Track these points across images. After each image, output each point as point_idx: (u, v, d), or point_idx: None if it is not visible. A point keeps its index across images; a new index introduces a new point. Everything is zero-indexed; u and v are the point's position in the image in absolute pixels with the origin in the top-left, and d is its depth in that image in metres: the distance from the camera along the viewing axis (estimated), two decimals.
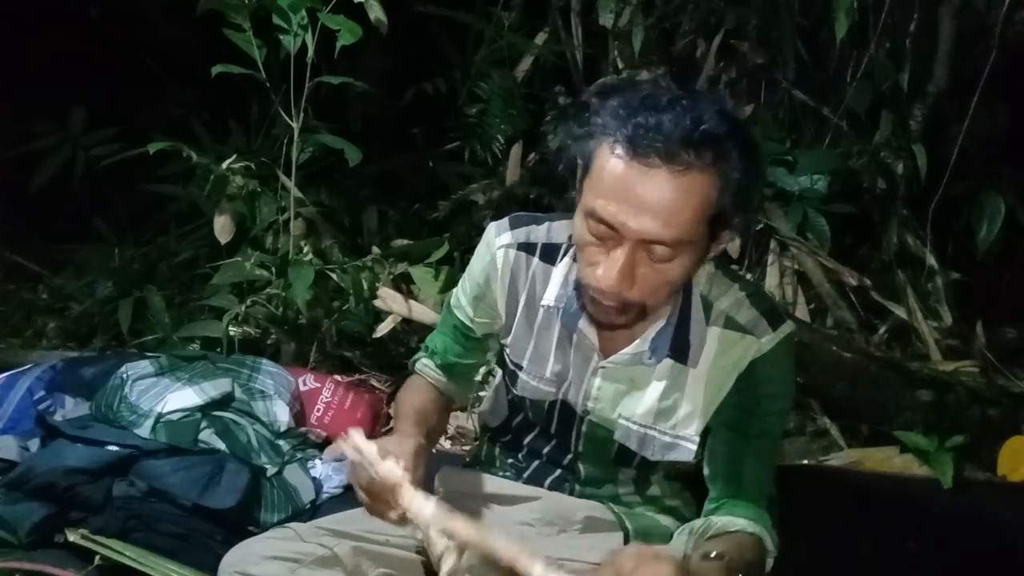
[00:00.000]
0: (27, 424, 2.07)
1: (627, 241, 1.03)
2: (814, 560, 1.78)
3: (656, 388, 1.21)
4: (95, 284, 3.10)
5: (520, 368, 1.33)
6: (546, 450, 1.37)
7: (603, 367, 1.24)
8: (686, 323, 1.18)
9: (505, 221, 1.32)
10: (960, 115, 2.65)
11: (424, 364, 1.44)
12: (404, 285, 2.70)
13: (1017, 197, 2.73)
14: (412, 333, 2.75)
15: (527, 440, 1.38)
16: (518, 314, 1.31)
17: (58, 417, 2.08)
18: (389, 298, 2.64)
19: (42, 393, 2.14)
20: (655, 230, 1.01)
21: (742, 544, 1.13)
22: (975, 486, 2.04)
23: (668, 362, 1.20)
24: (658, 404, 1.22)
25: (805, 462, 2.27)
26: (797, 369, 2.37)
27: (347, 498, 2.01)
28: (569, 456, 1.35)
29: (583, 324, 1.22)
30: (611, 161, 1.02)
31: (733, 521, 1.16)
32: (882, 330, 2.69)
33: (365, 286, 2.66)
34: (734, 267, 2.78)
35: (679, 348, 1.19)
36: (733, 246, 2.76)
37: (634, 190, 1.01)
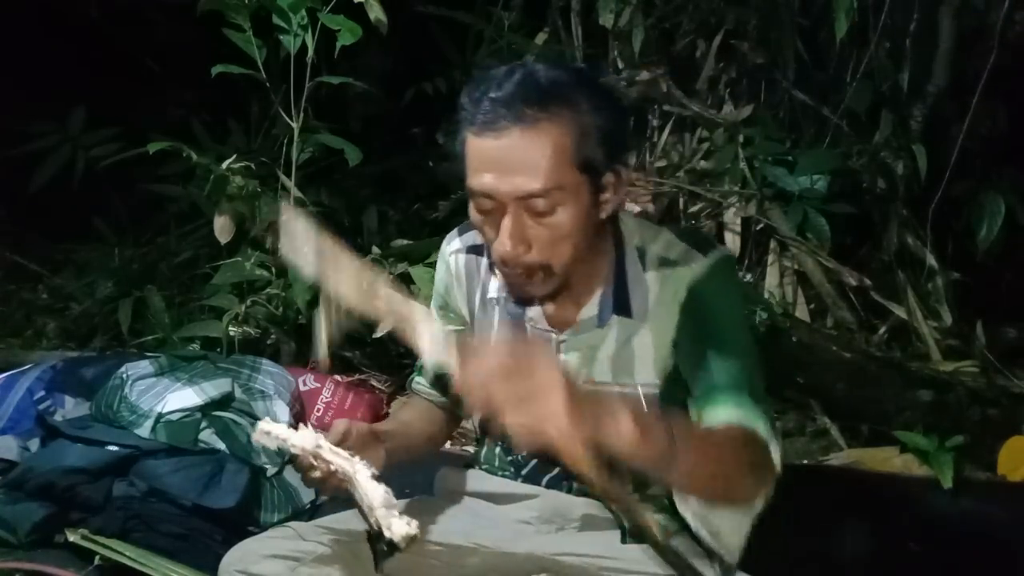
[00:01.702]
0: (27, 424, 2.07)
1: (507, 206, 1.09)
2: (815, 560, 1.78)
3: (610, 346, 1.22)
4: (95, 284, 3.11)
5: None
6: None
7: (563, 341, 1.25)
8: (623, 277, 1.22)
9: (456, 229, 1.38)
10: (960, 115, 2.65)
11: (417, 382, 1.48)
12: (404, 285, 2.70)
13: (1017, 197, 2.73)
14: None
15: None
16: (476, 314, 1.34)
17: (58, 417, 2.08)
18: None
19: (42, 393, 2.14)
20: (522, 184, 1.07)
21: (725, 429, 1.08)
22: (975, 486, 2.04)
23: (618, 322, 1.22)
24: (615, 360, 1.23)
25: (805, 462, 2.27)
26: (797, 369, 2.39)
27: (347, 498, 2.01)
28: (535, 456, 1.34)
29: (532, 311, 1.26)
30: (473, 142, 1.10)
31: (714, 415, 1.11)
32: (882, 330, 2.69)
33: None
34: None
35: (621, 304, 1.21)
36: (733, 246, 2.77)
37: (495, 156, 1.07)
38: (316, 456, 1.12)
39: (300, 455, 1.13)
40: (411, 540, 1.10)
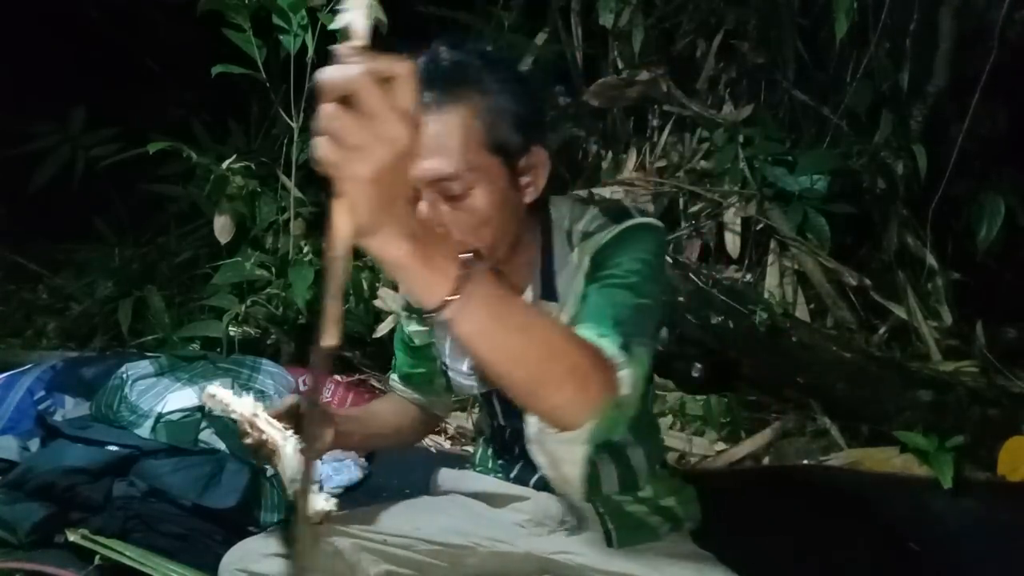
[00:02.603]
0: (27, 424, 2.07)
1: (422, 191, 1.08)
2: (814, 560, 1.78)
3: None
4: (95, 284, 3.11)
5: (447, 367, 1.37)
6: (517, 449, 1.37)
7: None
8: (551, 263, 1.22)
9: None
10: (960, 115, 2.65)
11: (392, 380, 1.51)
12: None
13: (1017, 197, 2.73)
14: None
15: (505, 439, 1.39)
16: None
17: (58, 417, 2.08)
18: (389, 298, 2.64)
19: (42, 393, 2.14)
20: (432, 168, 1.06)
21: (566, 329, 1.00)
22: (975, 486, 2.04)
23: (550, 307, 1.21)
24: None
25: (805, 462, 2.27)
26: (797, 369, 2.38)
27: (347, 498, 2.01)
28: (522, 453, 1.35)
29: None
30: None
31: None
32: (882, 330, 2.69)
33: (365, 286, 2.66)
34: (733, 268, 2.78)
35: (548, 290, 1.21)
36: (733, 246, 2.77)
37: None
38: (252, 424, 1.17)
39: (240, 420, 1.18)
40: (324, 516, 1.16)
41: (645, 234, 1.16)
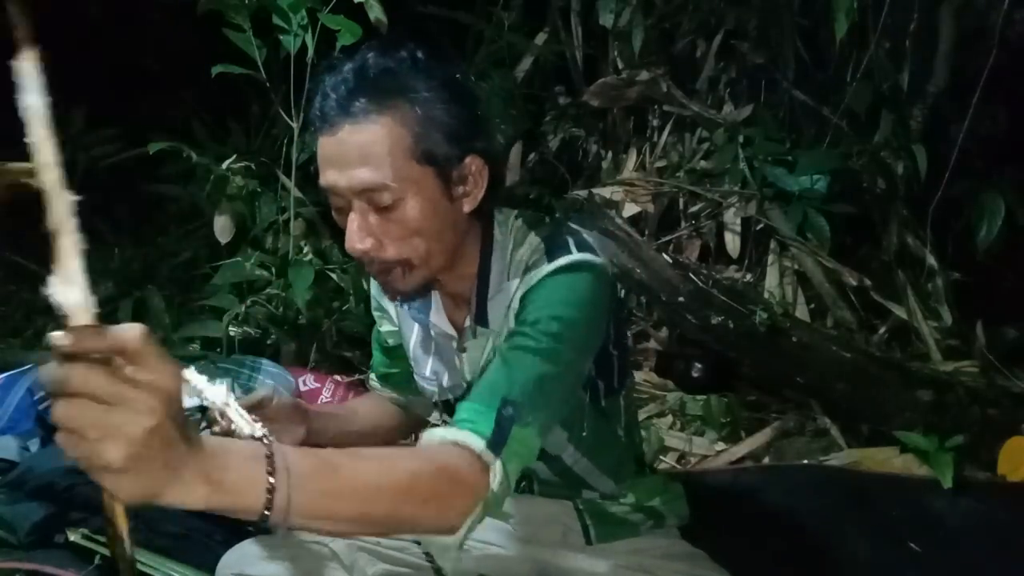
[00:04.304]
0: (27, 424, 2.07)
1: (352, 202, 1.07)
2: (814, 560, 1.78)
3: (487, 353, 1.20)
4: (95, 284, 3.11)
5: (413, 369, 1.38)
6: None
7: (464, 348, 1.25)
8: (484, 288, 1.18)
9: None
10: (960, 115, 2.64)
11: (371, 380, 1.52)
12: None
13: (1017, 197, 2.72)
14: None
15: None
16: (400, 317, 1.36)
17: None
18: None
19: (42, 393, 2.14)
20: (359, 179, 1.04)
21: (421, 451, 0.96)
22: (975, 486, 2.04)
23: (485, 332, 1.19)
24: (478, 370, 1.20)
25: (805, 462, 2.27)
26: (797, 369, 2.38)
27: None
28: None
29: (434, 316, 1.26)
30: (318, 141, 1.08)
31: (432, 434, 0.97)
32: (882, 330, 2.69)
33: (365, 286, 2.66)
34: (733, 268, 2.78)
35: (480, 314, 1.18)
36: (733, 246, 2.77)
37: (333, 151, 1.06)
38: (222, 414, 1.16)
39: (211, 408, 1.16)
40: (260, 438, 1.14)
41: (575, 278, 1.08)
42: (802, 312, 2.66)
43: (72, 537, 1.68)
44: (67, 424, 0.62)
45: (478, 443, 0.93)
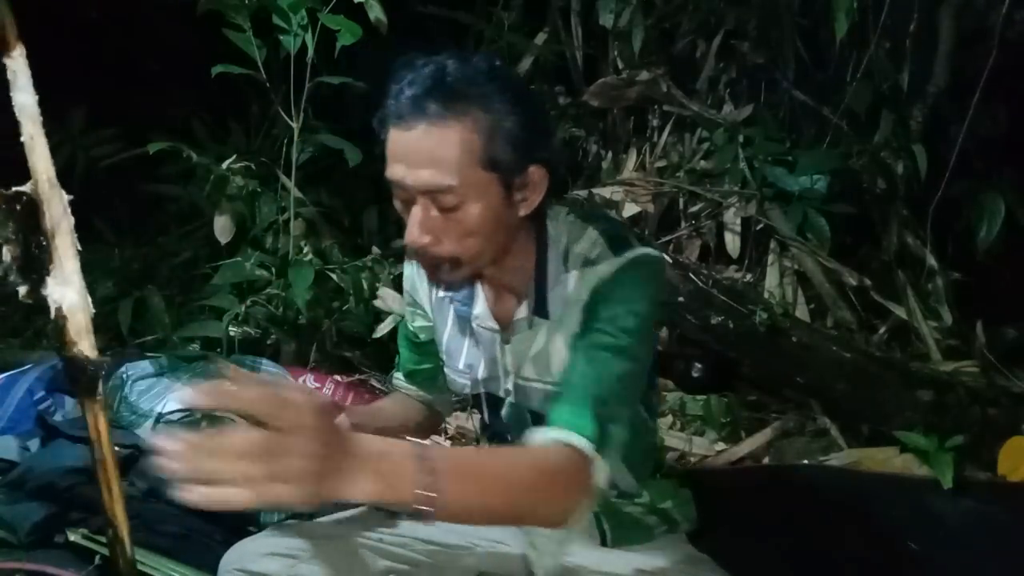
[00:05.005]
0: (27, 424, 2.07)
1: (417, 197, 1.11)
2: (814, 560, 1.78)
3: (540, 345, 1.24)
4: (95, 284, 3.11)
5: (444, 363, 1.40)
6: (498, 442, 1.39)
7: (507, 341, 1.28)
8: (543, 280, 1.23)
9: None
10: (960, 115, 2.64)
11: (396, 377, 1.52)
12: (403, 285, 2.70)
13: (1017, 197, 2.72)
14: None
15: (493, 437, 1.40)
16: (434, 311, 1.39)
17: (58, 417, 2.08)
18: (389, 298, 2.64)
19: (42, 393, 2.14)
20: (427, 179, 1.08)
21: (536, 450, 1.05)
22: (975, 486, 2.03)
23: (544, 323, 1.23)
24: (538, 359, 1.25)
25: (805, 462, 2.27)
26: (797, 369, 2.38)
27: None
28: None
29: (478, 308, 1.28)
30: (390, 135, 1.12)
31: (541, 432, 1.07)
32: (882, 330, 2.69)
33: (365, 286, 2.66)
34: (733, 268, 2.78)
35: (540, 306, 1.23)
36: (733, 246, 2.77)
37: (405, 148, 1.10)
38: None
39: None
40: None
41: (644, 271, 1.17)
42: (802, 312, 2.66)
43: (72, 537, 1.68)
44: (241, 478, 0.74)
45: (583, 443, 1.03)
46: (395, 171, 1.11)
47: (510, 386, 1.30)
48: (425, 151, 1.08)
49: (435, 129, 1.07)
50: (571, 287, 1.20)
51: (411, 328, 1.45)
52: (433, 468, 0.86)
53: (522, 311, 1.25)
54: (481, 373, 1.33)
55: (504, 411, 1.33)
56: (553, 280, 1.22)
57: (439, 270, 1.17)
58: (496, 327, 1.28)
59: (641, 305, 1.15)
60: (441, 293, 1.34)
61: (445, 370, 1.40)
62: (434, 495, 0.86)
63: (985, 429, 2.21)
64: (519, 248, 1.22)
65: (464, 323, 1.33)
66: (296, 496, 0.76)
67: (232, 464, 0.74)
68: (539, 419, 1.26)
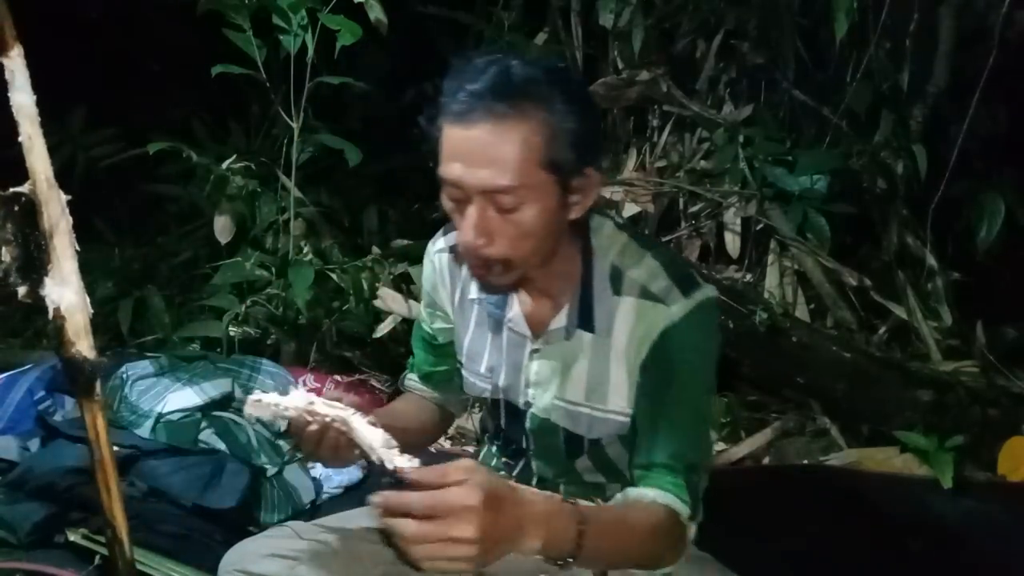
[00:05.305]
0: (27, 424, 2.07)
1: (473, 197, 1.09)
2: (814, 560, 1.78)
3: (583, 365, 1.23)
4: (95, 284, 3.11)
5: (462, 365, 1.38)
6: (518, 453, 1.38)
7: (536, 350, 1.26)
8: (589, 292, 1.21)
9: (442, 229, 1.39)
10: (960, 115, 2.64)
11: (409, 379, 1.50)
12: (404, 285, 2.70)
13: (1017, 197, 2.72)
14: (412, 333, 2.75)
15: (508, 443, 1.39)
16: (455, 312, 1.37)
17: (58, 417, 2.08)
18: (389, 298, 2.64)
19: (42, 393, 2.14)
20: (488, 179, 1.07)
21: (648, 510, 1.13)
22: (975, 486, 2.04)
23: (587, 337, 1.22)
24: (587, 381, 1.24)
25: (805, 462, 2.27)
26: (797, 369, 2.39)
27: (347, 498, 2.01)
28: (523, 457, 1.36)
29: (511, 312, 1.27)
30: (446, 132, 1.10)
31: (644, 493, 1.14)
32: (882, 330, 2.69)
33: (365, 286, 2.66)
34: (733, 268, 2.78)
35: (585, 317, 1.21)
36: (733, 246, 2.77)
37: (465, 147, 1.08)
38: (310, 412, 1.12)
39: (295, 416, 1.13)
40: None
41: (713, 315, 1.20)
42: (802, 312, 2.66)
43: (72, 537, 1.68)
44: (430, 554, 0.89)
45: (684, 512, 1.14)
46: (452, 170, 1.09)
47: (531, 398, 1.29)
48: (487, 151, 1.06)
49: (499, 128, 1.06)
50: (628, 313, 1.18)
51: (429, 330, 1.43)
52: (585, 530, 0.97)
53: (560, 319, 1.22)
54: (502, 380, 1.31)
55: (528, 423, 1.31)
56: (599, 294, 1.21)
57: (490, 272, 1.15)
58: (528, 333, 1.26)
59: (713, 356, 1.20)
60: (472, 295, 1.31)
61: (463, 373, 1.38)
62: (580, 550, 0.97)
63: (985, 429, 2.21)
64: (563, 253, 1.20)
65: (492, 325, 1.31)
66: (473, 560, 0.89)
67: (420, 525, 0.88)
68: (573, 440, 1.27)
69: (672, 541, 1.13)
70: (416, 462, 1.09)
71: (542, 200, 1.10)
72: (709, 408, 1.20)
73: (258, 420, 1.22)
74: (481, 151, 1.07)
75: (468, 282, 1.32)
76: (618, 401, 1.22)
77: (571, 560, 0.98)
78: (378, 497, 0.91)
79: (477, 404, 1.56)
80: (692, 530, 1.16)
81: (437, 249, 1.37)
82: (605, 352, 1.21)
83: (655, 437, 1.16)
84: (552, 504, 0.98)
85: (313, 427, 1.13)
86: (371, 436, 1.09)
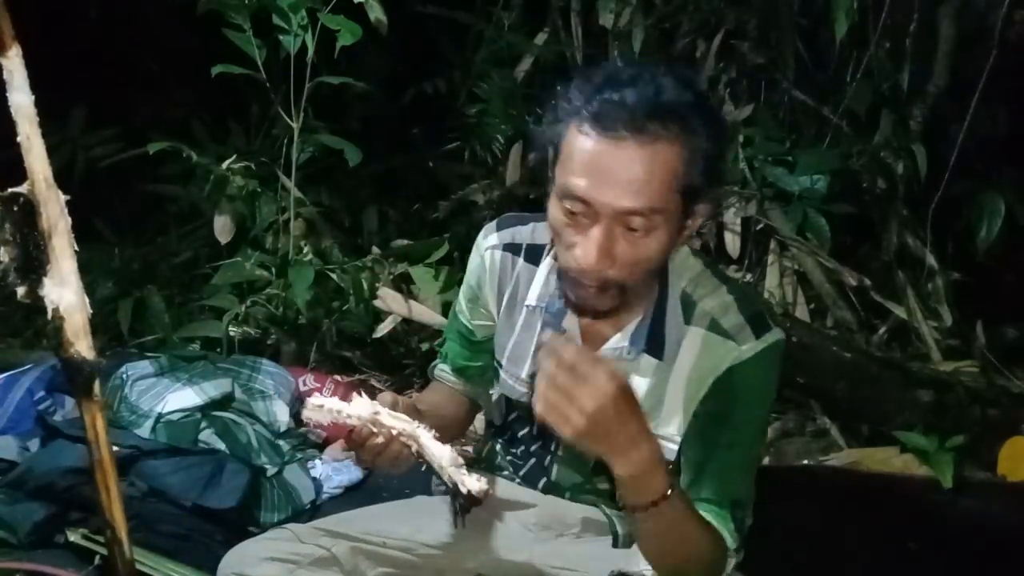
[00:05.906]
0: (27, 424, 2.07)
1: (603, 217, 1.03)
2: (814, 560, 1.78)
3: (640, 387, 1.19)
4: (95, 284, 3.11)
5: (501, 366, 1.33)
6: (533, 448, 1.36)
7: None
8: (662, 317, 1.17)
9: (494, 223, 1.33)
10: (960, 115, 2.64)
11: (440, 369, 1.45)
12: (404, 285, 2.70)
13: (1017, 197, 2.72)
14: (412, 333, 2.75)
15: (521, 436, 1.37)
16: (502, 314, 1.32)
17: (58, 417, 2.08)
18: (389, 298, 2.64)
19: (42, 393, 2.14)
20: (628, 200, 1.01)
21: (708, 522, 1.14)
22: (975, 486, 2.04)
23: (651, 361, 1.18)
24: (644, 401, 1.18)
25: (805, 462, 2.27)
26: (797, 369, 2.39)
27: (347, 498, 2.01)
28: (548, 458, 1.34)
29: (567, 323, 1.22)
30: (580, 139, 1.02)
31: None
32: (882, 330, 2.69)
33: (365, 286, 2.66)
34: (733, 268, 2.78)
35: (655, 342, 1.17)
36: (733, 246, 2.77)
37: (604, 163, 1.01)
38: (375, 423, 1.10)
39: (358, 425, 1.10)
40: (486, 494, 1.12)
41: (778, 359, 1.16)
42: (802, 312, 2.66)
43: (72, 537, 1.68)
44: (549, 397, 0.94)
45: (731, 541, 1.15)
46: (589, 186, 1.01)
47: None
48: (632, 170, 1.00)
49: (648, 149, 1.00)
50: (694, 344, 1.15)
51: (468, 325, 1.38)
52: (669, 497, 1.00)
53: (619, 340, 1.18)
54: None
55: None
56: (672, 323, 1.17)
57: (603, 294, 1.09)
58: (579, 343, 1.20)
59: (773, 399, 1.22)
60: (532, 302, 1.26)
61: (502, 374, 1.33)
62: (654, 507, 1.00)
63: (985, 429, 2.21)
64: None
65: (544, 331, 1.25)
66: (578, 429, 0.94)
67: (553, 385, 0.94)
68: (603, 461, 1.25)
69: (715, 559, 1.14)
70: (485, 481, 1.11)
71: (670, 224, 1.05)
72: (760, 449, 1.21)
73: (315, 424, 1.20)
74: (624, 170, 1.00)
75: (525, 287, 1.27)
76: (669, 429, 1.19)
77: (635, 511, 1.00)
78: (549, 338, 0.99)
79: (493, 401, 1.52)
80: (731, 564, 1.17)
81: (490, 245, 1.31)
82: (665, 378, 1.18)
83: (704, 473, 1.15)
84: (659, 455, 1.00)
85: (378, 440, 1.10)
86: (440, 453, 1.11)
